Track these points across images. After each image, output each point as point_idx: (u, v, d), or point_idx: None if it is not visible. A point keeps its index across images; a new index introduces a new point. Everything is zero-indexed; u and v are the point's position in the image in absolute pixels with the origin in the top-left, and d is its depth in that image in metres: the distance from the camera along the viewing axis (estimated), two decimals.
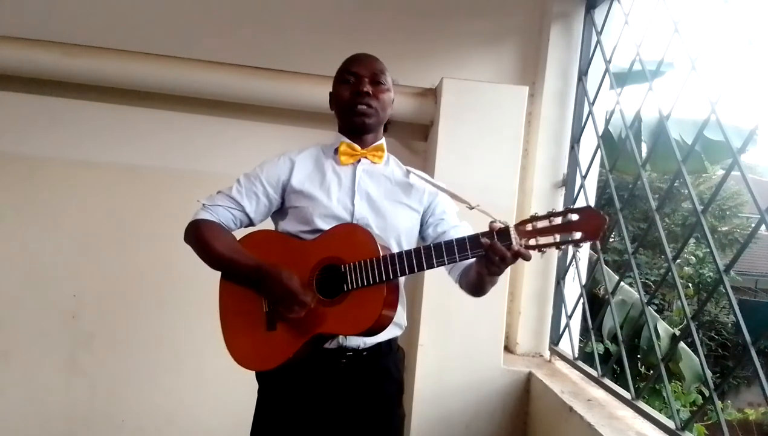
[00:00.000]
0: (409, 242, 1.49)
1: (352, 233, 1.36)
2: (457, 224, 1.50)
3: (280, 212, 1.52)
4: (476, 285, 1.39)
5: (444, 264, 1.28)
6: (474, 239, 1.24)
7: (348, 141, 1.49)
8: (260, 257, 1.39)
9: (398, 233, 1.45)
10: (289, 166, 1.49)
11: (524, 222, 1.22)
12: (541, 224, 1.20)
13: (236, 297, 1.42)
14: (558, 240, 1.19)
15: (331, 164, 1.50)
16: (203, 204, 1.47)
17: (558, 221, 1.19)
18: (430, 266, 1.28)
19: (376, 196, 1.46)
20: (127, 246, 2.65)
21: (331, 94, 1.54)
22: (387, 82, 1.50)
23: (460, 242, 1.25)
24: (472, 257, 1.25)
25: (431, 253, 1.27)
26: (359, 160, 1.49)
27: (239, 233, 1.49)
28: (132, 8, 2.64)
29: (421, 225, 1.53)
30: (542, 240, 1.20)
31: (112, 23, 2.61)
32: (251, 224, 1.51)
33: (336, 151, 1.50)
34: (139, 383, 2.66)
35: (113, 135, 2.64)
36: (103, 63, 2.47)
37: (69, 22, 2.58)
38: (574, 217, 1.17)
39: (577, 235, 1.17)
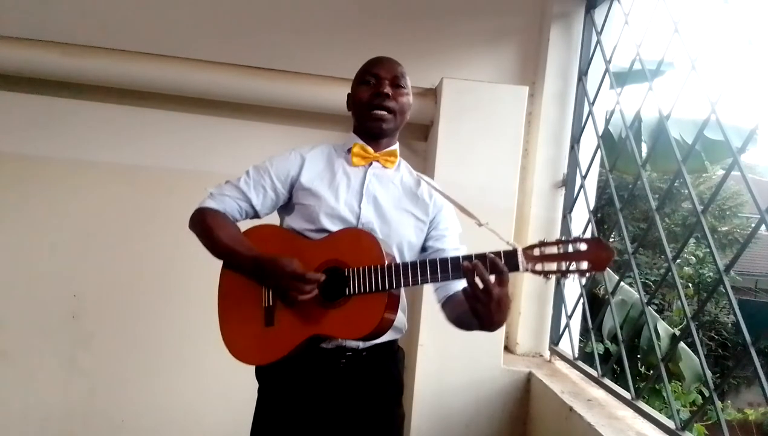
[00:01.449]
0: (411, 251, 1.47)
1: (359, 238, 1.35)
2: (457, 248, 1.49)
3: (286, 208, 1.51)
4: (462, 318, 1.36)
5: (448, 280, 1.27)
6: (481, 257, 1.22)
7: (362, 143, 1.48)
8: (264, 251, 1.38)
9: (401, 240, 1.44)
10: (300, 163, 1.48)
11: (532, 247, 1.20)
12: (548, 250, 1.19)
13: (236, 289, 1.42)
14: (564, 268, 1.18)
15: (342, 164, 1.49)
16: (210, 192, 1.47)
17: (566, 248, 1.18)
18: (434, 281, 1.27)
19: (383, 201, 1.45)
20: (127, 246, 2.65)
21: (349, 95, 1.54)
22: (407, 86, 1.49)
23: (467, 259, 1.23)
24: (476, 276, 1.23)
25: (437, 267, 1.25)
26: (371, 164, 1.48)
27: (245, 225, 1.49)
28: (132, 8, 2.64)
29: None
30: (548, 266, 1.19)
31: (111, 23, 2.61)
32: (257, 216, 1.51)
33: (348, 151, 1.49)
34: (139, 383, 2.66)
35: (113, 135, 2.64)
36: (103, 63, 2.47)
37: (69, 22, 2.58)
38: (583, 246, 1.16)
39: (584, 265, 1.16)
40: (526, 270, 1.19)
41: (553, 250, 1.19)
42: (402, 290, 1.37)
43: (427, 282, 1.28)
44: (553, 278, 1.21)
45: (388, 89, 1.44)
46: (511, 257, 1.19)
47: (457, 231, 1.53)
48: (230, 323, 1.43)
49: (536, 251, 1.20)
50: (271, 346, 1.36)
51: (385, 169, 1.50)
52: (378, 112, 1.44)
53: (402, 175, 1.53)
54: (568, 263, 1.17)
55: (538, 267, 1.19)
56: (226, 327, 1.44)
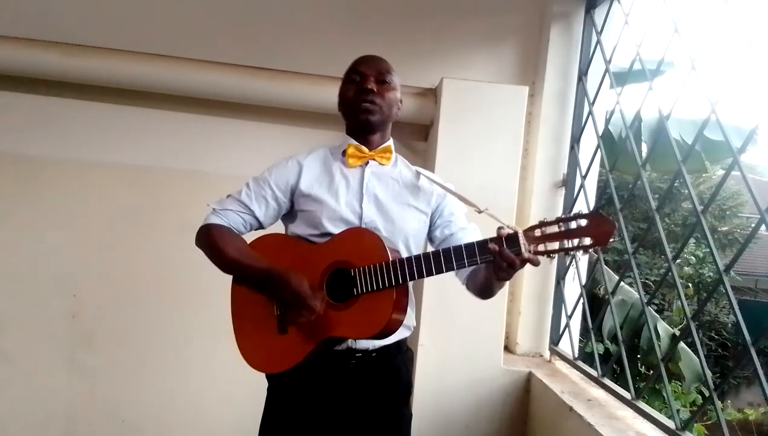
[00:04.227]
0: (417, 244, 1.48)
1: (362, 237, 1.36)
2: (465, 227, 1.50)
3: (289, 215, 1.52)
4: (484, 288, 1.40)
5: (453, 269, 1.28)
6: (483, 244, 1.24)
7: (356, 143, 1.49)
8: (271, 261, 1.39)
9: (406, 235, 1.45)
10: (297, 170, 1.49)
11: (533, 228, 1.21)
12: (549, 230, 1.20)
13: (248, 301, 1.43)
14: (567, 246, 1.18)
15: (339, 167, 1.49)
16: (213, 208, 1.47)
17: (566, 226, 1.18)
18: (440, 271, 1.28)
19: (384, 198, 1.46)
20: (127, 246, 2.64)
21: (339, 95, 1.55)
22: (392, 82, 1.50)
23: (469, 247, 1.25)
24: (481, 263, 1.25)
25: (440, 258, 1.27)
26: (367, 163, 1.49)
27: (250, 237, 1.50)
28: (131, 8, 2.64)
29: (430, 226, 1.53)
30: (551, 246, 1.20)
31: (111, 23, 2.61)
32: (261, 227, 1.52)
33: (344, 153, 1.50)
34: (140, 383, 2.66)
35: (113, 135, 2.64)
36: (102, 63, 2.46)
37: (68, 22, 2.58)
38: (583, 222, 1.17)
39: (586, 240, 1.16)
40: (529, 252, 1.20)
41: (554, 229, 1.19)
42: (410, 286, 1.38)
43: (432, 274, 1.29)
44: (557, 257, 1.21)
45: (372, 85, 1.45)
46: (512, 240, 1.20)
47: (462, 211, 1.53)
48: (246, 335, 1.45)
49: (537, 232, 1.21)
50: (286, 353, 1.37)
51: (382, 166, 1.51)
52: (364, 105, 1.45)
53: (400, 170, 1.54)
54: (570, 240, 1.18)
55: (541, 248, 1.20)
56: (243, 339, 1.45)
